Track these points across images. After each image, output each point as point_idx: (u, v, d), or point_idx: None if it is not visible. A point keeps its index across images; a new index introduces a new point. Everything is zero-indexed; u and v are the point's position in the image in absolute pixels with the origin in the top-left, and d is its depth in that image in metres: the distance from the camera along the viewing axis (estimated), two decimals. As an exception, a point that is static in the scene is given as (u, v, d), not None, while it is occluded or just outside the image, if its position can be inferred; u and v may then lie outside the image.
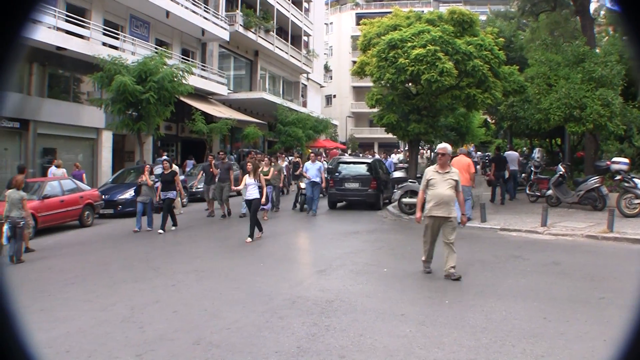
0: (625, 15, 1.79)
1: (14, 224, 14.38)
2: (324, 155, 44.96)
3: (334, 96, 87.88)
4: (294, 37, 57.06)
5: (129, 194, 22.27)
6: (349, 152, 63.51)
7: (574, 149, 30.72)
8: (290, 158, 35.27)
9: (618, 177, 20.33)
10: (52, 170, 23.46)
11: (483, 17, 40.37)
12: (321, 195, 23.73)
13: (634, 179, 19.78)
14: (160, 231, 18.30)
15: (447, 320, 8.36)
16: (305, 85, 65.84)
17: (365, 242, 16.49)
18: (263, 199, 16.90)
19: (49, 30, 24.77)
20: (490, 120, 45.17)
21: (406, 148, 36.87)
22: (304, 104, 61.77)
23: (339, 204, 25.07)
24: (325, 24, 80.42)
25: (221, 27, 40.87)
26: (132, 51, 30.58)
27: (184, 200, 25.00)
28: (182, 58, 36.44)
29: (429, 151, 48.80)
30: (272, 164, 22.91)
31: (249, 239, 15.92)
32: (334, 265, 12.73)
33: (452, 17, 22.59)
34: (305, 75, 64.30)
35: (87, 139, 30.51)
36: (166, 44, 36.77)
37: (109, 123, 27.83)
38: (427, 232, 11.47)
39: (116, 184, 25.03)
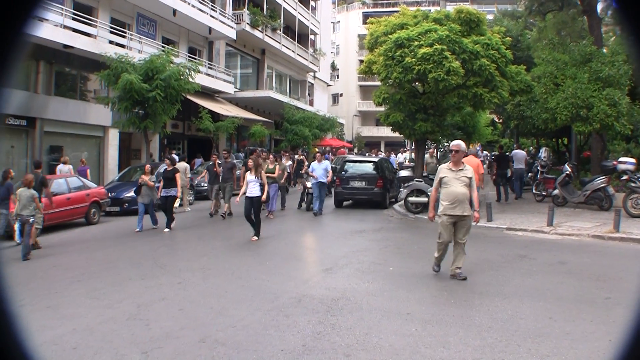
0: (625, 16, 1.79)
1: (24, 221, 14.67)
2: (330, 155, 44.87)
3: (341, 95, 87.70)
4: (301, 35, 57.04)
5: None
6: (355, 151, 63.47)
7: (581, 149, 30.64)
8: (294, 156, 35.15)
9: (624, 177, 20.30)
10: (60, 167, 23.53)
11: (490, 17, 40.23)
12: (327, 194, 23.66)
13: (641, 179, 19.76)
14: (166, 230, 18.32)
15: (452, 319, 8.36)
16: (312, 84, 65.78)
17: (371, 240, 16.50)
18: (264, 196, 16.68)
19: (56, 29, 24.82)
20: (497, 120, 45.09)
21: (412, 147, 36.76)
22: (311, 103, 61.75)
23: (345, 203, 25.08)
24: (332, 22, 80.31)
25: (228, 25, 40.88)
26: (139, 49, 30.62)
27: (190, 198, 25.00)
28: (189, 56, 36.48)
29: (435, 150, 48.75)
30: (277, 162, 22.70)
31: (255, 237, 15.92)
32: (340, 263, 12.74)
33: (459, 16, 22.53)
34: (312, 73, 64.23)
35: (94, 137, 30.55)
36: (173, 42, 36.81)
37: (115, 121, 27.87)
38: (442, 233, 11.01)
39: (122, 182, 25.06)
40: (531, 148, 39.03)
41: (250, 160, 17.06)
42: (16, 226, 15.44)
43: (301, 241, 17.51)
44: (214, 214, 22.15)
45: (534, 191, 24.98)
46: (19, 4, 1.72)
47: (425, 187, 21.44)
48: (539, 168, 25.72)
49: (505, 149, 32.76)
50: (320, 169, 22.01)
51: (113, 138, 31.01)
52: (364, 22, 54.06)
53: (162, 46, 32.45)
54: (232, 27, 41.41)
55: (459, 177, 10.87)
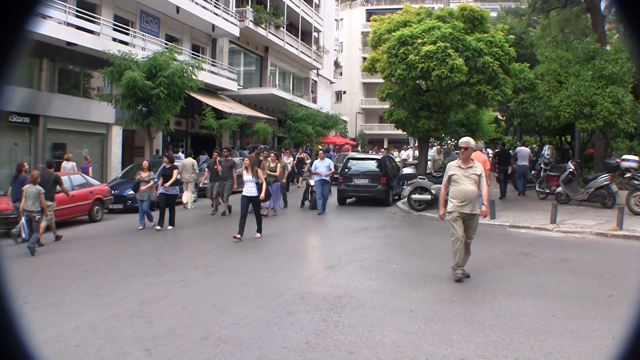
0: (626, 14, 1.79)
1: (30, 217, 14.93)
2: (334, 152, 44.81)
3: (344, 92, 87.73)
4: (304, 33, 56.99)
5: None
6: (359, 148, 63.44)
7: (584, 147, 30.61)
8: (295, 154, 35.05)
9: (628, 175, 20.27)
10: (64, 164, 23.57)
11: (494, 14, 40.18)
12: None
13: (644, 177, 19.74)
14: (170, 227, 18.31)
15: (456, 316, 8.36)
16: (315, 81, 65.76)
17: (374, 238, 16.50)
18: (262, 195, 16.34)
19: (59, 26, 24.87)
20: (500, 117, 45.04)
21: (416, 144, 36.75)
22: (314, 100, 61.71)
23: (348, 200, 25.07)
24: (335, 20, 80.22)
25: (231, 22, 40.89)
26: (142, 47, 30.63)
27: (194, 196, 24.98)
28: (192, 54, 36.46)
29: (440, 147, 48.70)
30: (278, 160, 22.47)
31: (239, 236, 15.60)
32: (343, 261, 12.74)
33: (463, 14, 22.50)
34: (315, 71, 64.18)
35: (97, 134, 30.59)
36: (176, 39, 36.81)
37: (118, 118, 27.86)
38: (455, 232, 10.64)
39: (126, 179, 24.99)
40: (534, 146, 38.93)
41: (246, 159, 16.74)
42: (23, 222, 15.53)
43: (304, 239, 17.51)
44: (215, 212, 22.08)
45: (537, 189, 24.97)
46: (21, 1, 1.72)
47: (429, 185, 21.44)
48: (542, 165, 25.73)
49: (509, 147, 32.72)
50: (323, 167, 21.91)
51: (116, 135, 31.05)
52: (368, 20, 53.83)
53: (166, 43, 32.46)
54: (235, 25, 41.43)
55: (468, 175, 10.67)
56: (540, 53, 28.21)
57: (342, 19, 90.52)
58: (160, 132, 31.63)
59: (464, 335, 7.50)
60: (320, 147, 42.30)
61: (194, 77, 27.28)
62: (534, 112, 26.78)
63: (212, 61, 40.36)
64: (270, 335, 7.56)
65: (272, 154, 22.39)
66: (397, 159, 38.60)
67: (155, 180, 19.03)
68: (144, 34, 32.32)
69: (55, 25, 24.51)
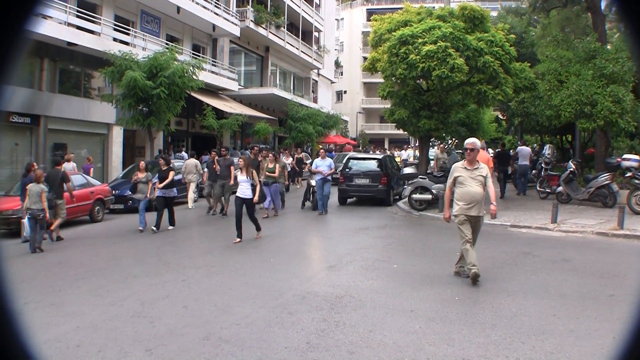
0: (627, 14, 1.79)
1: (34, 216, 15.05)
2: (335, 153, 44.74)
3: (345, 92, 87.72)
4: (305, 32, 57.02)
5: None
6: (360, 148, 63.45)
7: (585, 146, 30.60)
8: (294, 154, 34.93)
9: (629, 174, 20.27)
10: (64, 165, 23.54)
11: (494, 13, 40.18)
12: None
13: (645, 176, 19.74)
14: (170, 227, 18.30)
15: (456, 316, 8.37)
16: (316, 81, 65.76)
17: (375, 238, 16.48)
18: (256, 197, 16.05)
19: (59, 26, 24.89)
20: (501, 117, 45.05)
21: (417, 144, 36.75)
22: (315, 100, 61.72)
23: (348, 200, 25.06)
24: (336, 19, 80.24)
25: (232, 22, 40.91)
26: (143, 47, 30.66)
27: (195, 196, 24.94)
28: (193, 53, 36.48)
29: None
30: (277, 160, 22.10)
31: (238, 239, 15.45)
32: (344, 261, 12.74)
33: (463, 13, 22.49)
34: (315, 71, 64.19)
35: (98, 134, 30.60)
36: (177, 39, 36.83)
37: (119, 118, 27.87)
38: (464, 235, 10.43)
39: (127, 180, 24.91)
40: (535, 145, 38.93)
41: (241, 160, 16.41)
42: (25, 220, 15.61)
43: (305, 238, 17.50)
44: (215, 212, 21.88)
45: (538, 188, 24.95)
46: (20, 1, 1.72)
47: (429, 185, 21.45)
48: (543, 165, 25.75)
49: (509, 146, 32.72)
50: (324, 166, 21.76)
51: (117, 135, 31.07)
52: (368, 19, 53.98)
53: (166, 43, 32.47)
54: (236, 25, 41.45)
55: (474, 177, 10.47)
56: (541, 52, 28.24)
57: (342, 19, 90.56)
58: (161, 132, 31.65)
59: (465, 335, 7.51)
60: (321, 146, 42.30)
61: (194, 77, 27.28)
62: (535, 111, 26.78)
63: (212, 61, 40.37)
64: (271, 335, 7.57)
65: (271, 155, 22.19)
66: (397, 159, 38.59)
67: (153, 181, 18.92)
68: (145, 34, 32.34)
69: (56, 25, 24.54)
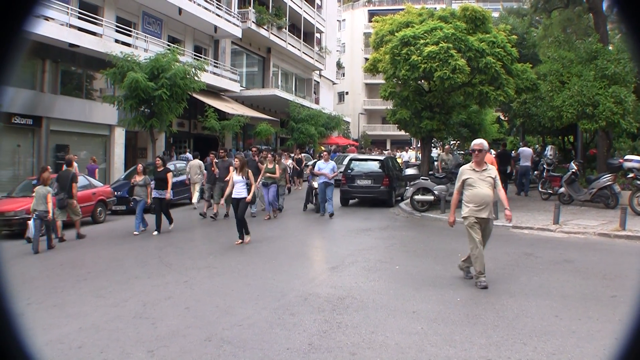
0: (626, 15, 1.80)
1: (42, 217, 15.30)
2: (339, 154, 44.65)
3: (347, 93, 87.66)
4: (307, 34, 57.09)
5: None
6: (363, 149, 63.44)
7: (587, 147, 30.61)
8: (293, 155, 34.77)
9: (630, 175, 20.28)
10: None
11: (496, 14, 40.14)
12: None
13: (647, 177, 19.74)
14: (170, 226, 18.22)
15: (459, 317, 8.36)
16: (318, 82, 65.80)
17: (377, 239, 16.48)
18: (249, 197, 15.86)
19: (61, 28, 24.93)
20: (503, 118, 45.06)
21: (418, 145, 36.74)
22: (316, 101, 61.76)
23: (350, 201, 25.05)
24: (337, 20, 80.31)
25: (233, 24, 40.96)
26: (145, 48, 30.68)
27: (198, 195, 24.84)
28: (195, 55, 36.55)
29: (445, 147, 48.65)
30: (276, 161, 21.96)
31: (240, 241, 15.38)
32: (346, 262, 12.74)
33: (465, 14, 22.47)
34: (317, 72, 64.25)
35: (100, 135, 30.63)
36: (178, 40, 36.88)
37: (121, 120, 27.91)
38: (472, 236, 10.25)
39: (128, 181, 24.95)
40: (537, 146, 38.93)
41: (237, 160, 16.36)
42: (30, 222, 15.70)
43: (307, 240, 17.49)
44: (218, 215, 21.54)
45: (540, 189, 24.94)
46: (19, 1, 1.72)
47: (431, 186, 21.44)
48: (545, 166, 25.71)
49: (511, 147, 32.69)
50: (327, 169, 21.59)
51: (119, 137, 31.09)
52: (370, 20, 54.02)
53: (168, 45, 32.49)
54: (237, 26, 41.50)
55: (484, 178, 10.33)
56: (543, 53, 28.26)
57: (344, 20, 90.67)
58: (162, 133, 31.68)
59: (467, 336, 7.50)
60: (323, 148, 42.22)
61: (196, 78, 27.30)
62: (537, 112, 26.80)
63: (214, 62, 40.43)
64: (273, 337, 7.57)
65: (270, 155, 22.01)
66: (398, 160, 38.58)
67: (151, 183, 18.73)
68: (146, 35, 32.40)
69: (58, 27, 24.58)
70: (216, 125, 34.51)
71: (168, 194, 18.33)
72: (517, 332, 7.64)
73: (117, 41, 28.94)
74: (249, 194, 15.88)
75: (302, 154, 37.11)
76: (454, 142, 41.73)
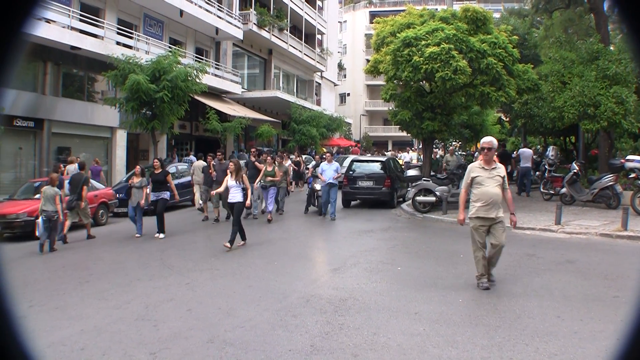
0: (627, 16, 1.80)
1: (49, 217, 15.49)
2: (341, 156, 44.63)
3: (348, 94, 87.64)
4: (308, 35, 57.11)
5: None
6: (364, 151, 63.41)
7: (588, 147, 30.61)
8: (291, 157, 34.61)
9: (632, 175, 20.29)
10: (68, 167, 23.53)
11: (497, 15, 40.19)
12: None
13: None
14: (161, 235, 17.77)
15: (460, 318, 8.36)
16: (319, 84, 65.82)
17: (379, 240, 16.48)
18: (248, 202, 15.80)
19: (63, 30, 24.95)
20: (504, 118, 45.09)
21: (420, 146, 36.75)
22: (318, 102, 61.78)
23: (352, 203, 25.04)
24: (339, 22, 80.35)
25: (235, 25, 40.97)
26: (146, 50, 30.70)
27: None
28: (196, 57, 36.57)
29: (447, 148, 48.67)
30: (276, 163, 21.89)
31: (229, 245, 14.92)
32: (348, 263, 12.75)
33: (466, 15, 22.44)
34: (319, 73, 64.29)
35: (102, 137, 30.64)
36: (180, 42, 36.90)
37: (123, 122, 27.93)
38: (475, 238, 10.22)
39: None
40: (539, 147, 38.94)
41: (231, 164, 16.05)
42: (39, 221, 15.70)
43: (309, 241, 17.49)
44: (218, 220, 21.10)
45: (541, 190, 24.92)
46: (18, 3, 1.72)
47: (433, 187, 21.43)
48: (546, 166, 25.70)
49: (512, 148, 32.67)
50: (330, 170, 21.43)
51: (121, 139, 31.08)
52: (371, 22, 53.87)
53: (169, 47, 32.46)
54: (239, 28, 41.52)
55: (492, 177, 10.11)
56: (544, 54, 28.28)
57: (345, 21, 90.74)
58: (164, 135, 31.66)
59: (468, 337, 7.50)
60: (325, 149, 42.20)
61: (197, 80, 27.31)
62: (538, 113, 26.82)
63: (215, 64, 40.45)
64: (275, 338, 7.57)
65: (269, 157, 21.83)
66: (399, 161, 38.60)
67: (147, 186, 18.33)
68: (148, 37, 32.40)
69: (59, 29, 24.60)
70: (218, 127, 34.49)
71: (176, 196, 18.40)
72: (519, 333, 7.64)
73: (118, 43, 28.97)
74: (245, 199, 15.69)
75: (303, 156, 37.08)
76: (456, 142, 41.74)
